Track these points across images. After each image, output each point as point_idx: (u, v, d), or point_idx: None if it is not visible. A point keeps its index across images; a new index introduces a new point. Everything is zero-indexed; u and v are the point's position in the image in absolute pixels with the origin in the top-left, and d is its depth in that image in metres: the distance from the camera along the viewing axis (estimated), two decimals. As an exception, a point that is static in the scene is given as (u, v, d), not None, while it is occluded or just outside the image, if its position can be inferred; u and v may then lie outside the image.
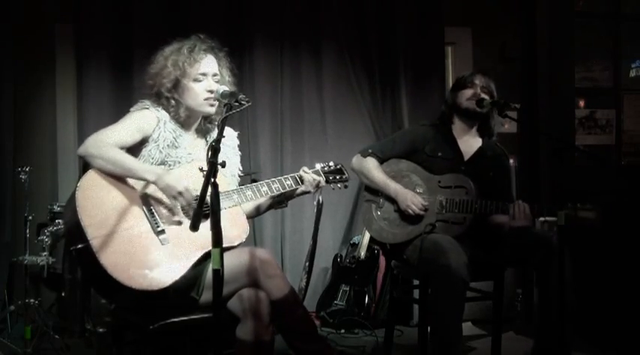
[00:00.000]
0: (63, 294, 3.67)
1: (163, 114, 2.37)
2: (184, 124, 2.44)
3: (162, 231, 2.21)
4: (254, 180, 3.51)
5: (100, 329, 3.27)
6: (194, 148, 2.45)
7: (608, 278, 3.58)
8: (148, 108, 2.37)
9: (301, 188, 2.50)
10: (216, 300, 1.85)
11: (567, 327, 2.57)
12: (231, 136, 2.59)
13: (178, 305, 2.22)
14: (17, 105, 4.02)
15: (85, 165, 2.32)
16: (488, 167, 3.00)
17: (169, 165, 2.34)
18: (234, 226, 2.33)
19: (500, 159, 3.07)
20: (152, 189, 2.26)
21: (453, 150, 3.00)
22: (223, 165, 1.87)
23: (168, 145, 2.35)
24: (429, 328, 2.77)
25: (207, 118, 2.50)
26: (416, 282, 3.12)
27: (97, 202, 2.16)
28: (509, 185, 3.08)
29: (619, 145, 4.80)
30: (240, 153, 2.63)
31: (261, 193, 2.41)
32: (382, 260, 4.00)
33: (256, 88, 4.17)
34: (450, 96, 3.09)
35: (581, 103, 4.82)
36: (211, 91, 2.36)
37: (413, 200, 2.88)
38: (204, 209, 1.88)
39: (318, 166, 2.59)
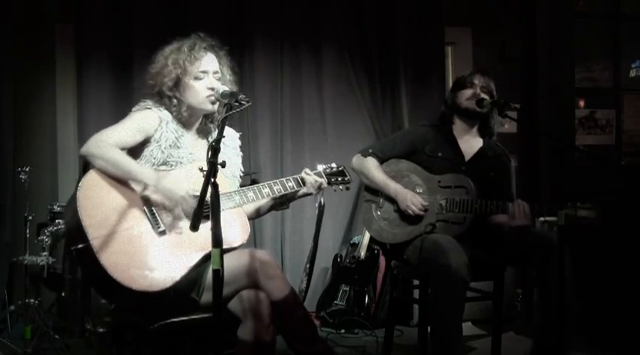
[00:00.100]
0: (63, 294, 3.68)
1: (165, 115, 2.37)
2: (186, 124, 2.44)
3: (163, 232, 2.21)
4: (254, 180, 3.52)
5: (100, 329, 3.27)
6: (195, 148, 2.44)
7: (609, 278, 3.58)
8: (150, 109, 2.36)
9: (303, 190, 2.49)
10: (216, 301, 1.84)
11: (567, 327, 2.57)
12: (232, 137, 2.59)
13: (179, 306, 2.22)
14: (17, 105, 4.02)
15: (85, 165, 2.32)
16: (488, 167, 2.99)
17: (171, 166, 2.34)
18: (236, 227, 2.33)
19: (500, 159, 3.07)
20: (152, 191, 2.26)
21: (454, 151, 3.00)
22: (223, 165, 1.87)
23: (170, 145, 2.34)
24: (429, 328, 2.77)
25: (208, 118, 2.50)
26: (416, 282, 3.12)
27: (98, 202, 2.16)
28: (510, 185, 3.08)
29: (619, 145, 4.80)
30: (241, 153, 2.62)
31: (262, 194, 2.40)
32: (382, 260, 4.00)
33: (256, 87, 4.17)
34: (449, 97, 3.09)
35: (581, 103, 4.82)
36: (212, 89, 2.36)
37: (413, 200, 2.88)
38: (205, 209, 1.88)
39: (320, 168, 2.58)
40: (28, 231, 3.52)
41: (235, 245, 2.30)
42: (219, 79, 2.41)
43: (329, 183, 2.57)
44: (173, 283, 2.13)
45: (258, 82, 4.19)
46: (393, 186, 2.94)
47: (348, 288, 4.01)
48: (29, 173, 3.48)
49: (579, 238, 2.95)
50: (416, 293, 3.13)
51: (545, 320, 2.72)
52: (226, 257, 1.86)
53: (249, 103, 2.10)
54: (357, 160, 3.07)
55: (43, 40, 4.10)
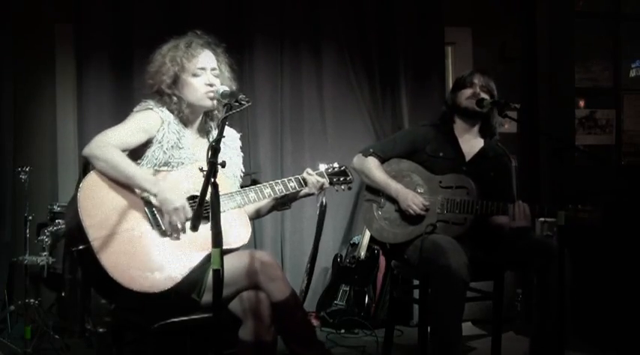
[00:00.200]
0: (63, 294, 3.67)
1: (167, 115, 2.37)
2: (187, 122, 2.44)
3: (164, 233, 2.21)
4: (254, 180, 3.51)
5: (100, 329, 3.27)
6: (197, 148, 2.44)
7: (609, 278, 3.58)
8: (151, 109, 2.36)
9: (305, 190, 2.49)
10: (216, 301, 1.84)
11: (563, 329, 2.57)
12: (233, 137, 2.59)
13: (179, 306, 2.22)
14: (17, 105, 4.02)
15: (85, 166, 2.32)
16: (489, 167, 2.99)
17: (172, 166, 2.33)
18: (237, 228, 2.32)
19: (501, 159, 3.06)
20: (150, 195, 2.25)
21: (455, 150, 3.00)
22: (223, 165, 1.87)
23: (172, 146, 2.34)
24: (429, 328, 2.77)
25: (209, 116, 2.50)
26: (416, 282, 3.12)
27: (99, 203, 2.16)
28: (511, 185, 3.07)
29: (619, 145, 4.80)
30: (242, 154, 2.62)
31: (264, 195, 2.40)
32: (382, 260, 4.00)
33: (256, 87, 4.17)
34: (450, 97, 3.09)
35: (581, 103, 4.82)
36: (211, 85, 2.36)
37: (414, 200, 2.88)
38: (205, 210, 1.87)
39: (322, 167, 2.57)
40: (28, 231, 3.51)
41: (237, 245, 2.30)
42: (217, 76, 2.41)
43: (331, 183, 2.56)
44: (174, 284, 2.13)
45: (258, 81, 4.19)
46: (394, 186, 2.94)
47: (348, 288, 4.01)
48: (29, 173, 3.48)
49: (579, 238, 2.95)
50: (416, 293, 3.13)
51: (542, 322, 2.72)
52: (227, 258, 1.86)
53: (249, 103, 2.10)
54: (358, 160, 3.07)
55: (43, 40, 4.10)
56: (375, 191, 3.03)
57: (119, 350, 2.45)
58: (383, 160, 3.04)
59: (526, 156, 4.48)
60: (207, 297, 2.22)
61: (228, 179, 2.48)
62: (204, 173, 1.82)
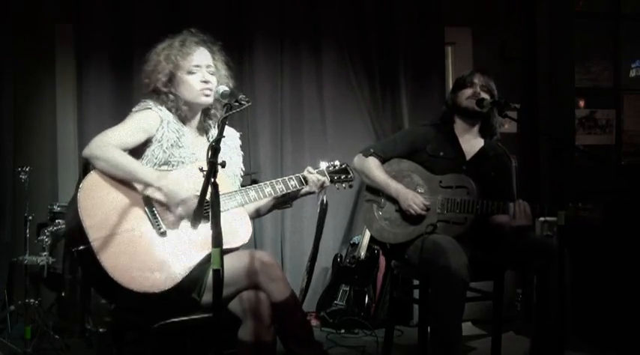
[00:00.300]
0: (63, 294, 3.67)
1: (166, 114, 2.37)
2: (186, 120, 2.44)
3: (164, 233, 2.21)
4: (254, 180, 3.51)
5: (100, 329, 3.27)
6: (196, 147, 2.44)
7: (609, 278, 3.58)
8: (150, 108, 2.36)
9: (305, 188, 2.48)
10: (216, 301, 1.84)
11: (563, 329, 2.57)
12: (232, 137, 2.59)
13: (179, 306, 2.22)
14: (17, 105, 4.02)
15: (85, 166, 2.32)
16: (489, 167, 2.99)
17: (172, 165, 2.33)
18: (238, 227, 2.32)
19: (501, 159, 3.06)
20: (154, 190, 2.25)
21: (455, 150, 3.00)
22: (223, 165, 1.86)
23: (172, 145, 2.34)
24: (429, 328, 2.77)
25: (207, 114, 2.50)
26: (416, 282, 3.12)
27: (99, 203, 2.15)
28: (511, 185, 3.07)
29: (619, 145, 4.80)
30: (242, 153, 2.62)
31: (264, 194, 2.40)
32: (382, 260, 4.00)
33: (256, 87, 4.17)
34: (450, 97, 3.09)
35: (581, 103, 4.82)
36: (206, 82, 2.37)
37: (414, 200, 2.88)
38: (205, 209, 1.87)
39: (322, 166, 2.57)
40: (28, 231, 3.51)
41: (237, 245, 2.30)
42: (213, 73, 2.41)
43: (332, 182, 2.56)
44: (174, 284, 2.13)
45: (258, 81, 4.19)
46: (395, 186, 2.94)
47: (348, 288, 4.01)
48: (29, 173, 3.48)
49: (579, 238, 2.95)
50: (416, 293, 3.13)
51: (542, 323, 2.72)
52: (227, 257, 1.86)
53: (249, 103, 2.09)
54: (358, 160, 3.07)
55: (43, 40, 4.10)
56: (376, 191, 3.03)
57: (119, 350, 2.45)
58: (383, 160, 3.04)
59: (526, 156, 4.48)
60: (207, 297, 2.22)
61: (229, 178, 2.48)
62: (205, 173, 1.82)
